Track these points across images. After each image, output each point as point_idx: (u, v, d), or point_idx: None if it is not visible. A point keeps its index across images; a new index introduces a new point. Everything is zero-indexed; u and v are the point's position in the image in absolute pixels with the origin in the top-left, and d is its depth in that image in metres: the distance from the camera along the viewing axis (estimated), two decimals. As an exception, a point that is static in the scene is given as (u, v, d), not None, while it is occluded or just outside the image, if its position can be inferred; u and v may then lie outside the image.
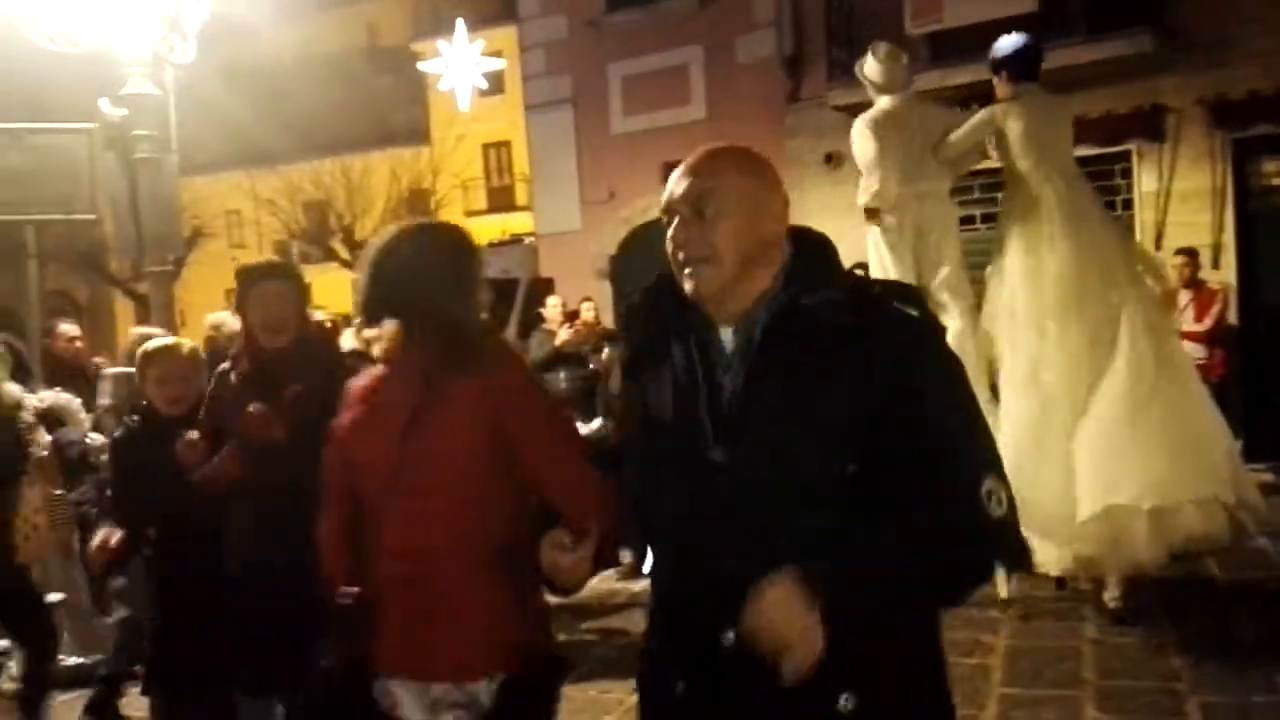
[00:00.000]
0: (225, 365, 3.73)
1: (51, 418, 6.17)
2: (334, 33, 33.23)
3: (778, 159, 13.55)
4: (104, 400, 6.44)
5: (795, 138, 12.57)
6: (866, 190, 6.15)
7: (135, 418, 4.00)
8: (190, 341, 4.20)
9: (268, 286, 3.48)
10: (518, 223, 26.14)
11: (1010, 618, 5.74)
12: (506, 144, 29.66)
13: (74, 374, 6.99)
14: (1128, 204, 10.78)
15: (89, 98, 7.38)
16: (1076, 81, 9.53)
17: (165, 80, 7.16)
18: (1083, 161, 10.42)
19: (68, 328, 7.33)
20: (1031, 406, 5.49)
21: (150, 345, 4.00)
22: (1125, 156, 10.75)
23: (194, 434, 3.62)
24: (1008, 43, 6.01)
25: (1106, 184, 10.53)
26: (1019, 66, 5.95)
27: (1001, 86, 6.01)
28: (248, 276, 3.55)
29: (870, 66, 6.35)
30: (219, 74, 9.71)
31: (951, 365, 1.86)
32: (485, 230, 25.93)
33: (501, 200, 30.73)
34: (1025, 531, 3.08)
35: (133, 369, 4.31)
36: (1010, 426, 5.44)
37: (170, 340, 4.14)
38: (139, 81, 6.84)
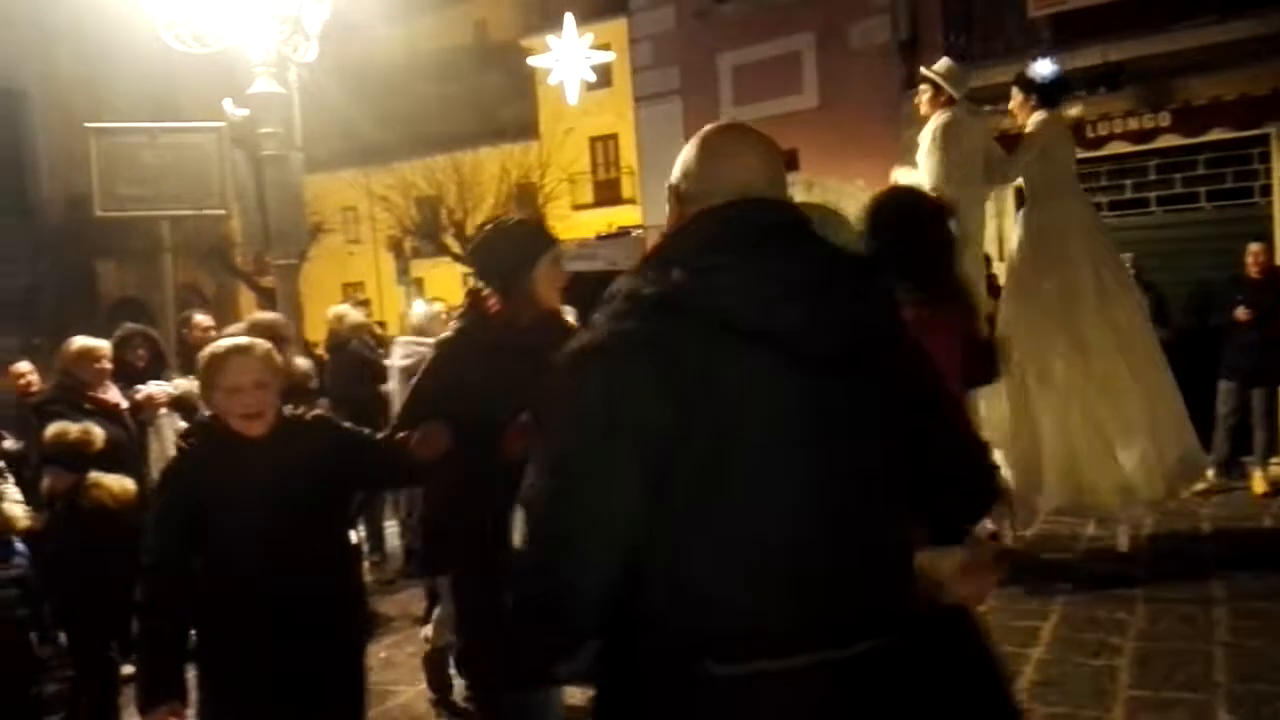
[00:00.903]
0: (449, 335, 3.61)
1: (185, 404, 6.43)
2: (443, 30, 33.82)
3: (893, 148, 13.37)
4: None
5: (912, 126, 12.25)
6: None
7: (193, 439, 3.27)
8: (265, 343, 3.22)
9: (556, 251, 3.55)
10: (624, 216, 26.24)
11: (1138, 619, 5.57)
12: (614, 137, 29.79)
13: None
14: (1266, 190, 10.27)
15: (213, 98, 7.64)
16: (1210, 63, 9.17)
17: (289, 79, 7.37)
18: (1217, 146, 10.12)
19: (202, 318, 7.58)
20: (1052, 397, 6.31)
21: (218, 346, 3.19)
22: (1263, 140, 10.24)
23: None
24: (1047, 70, 6.56)
25: (1243, 169, 10.10)
26: (1050, 95, 6.54)
27: (1024, 107, 6.58)
28: (539, 241, 3.55)
29: (945, 65, 6.53)
30: (333, 73, 9.93)
31: None
32: (592, 224, 26.12)
33: (608, 193, 30.89)
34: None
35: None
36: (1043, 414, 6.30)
37: (242, 340, 3.28)
38: (265, 81, 7.05)
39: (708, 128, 1.96)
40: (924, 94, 6.44)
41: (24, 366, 7.04)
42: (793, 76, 13.20)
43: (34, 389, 6.68)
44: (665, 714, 1.71)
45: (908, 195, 4.75)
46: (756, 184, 1.85)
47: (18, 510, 4.95)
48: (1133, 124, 9.79)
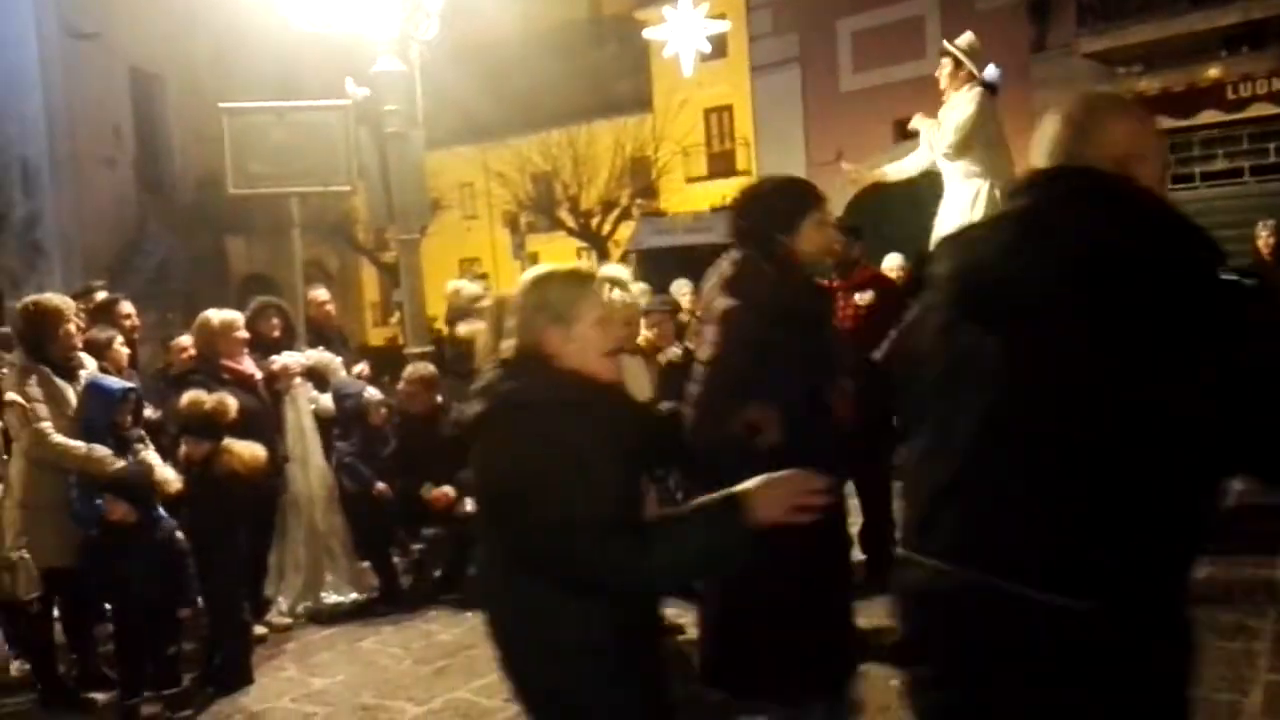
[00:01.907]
0: (733, 306, 3.27)
1: (316, 374, 6.62)
2: (557, 5, 33.91)
3: (1023, 112, 13.00)
4: None
5: (1042, 88, 11.93)
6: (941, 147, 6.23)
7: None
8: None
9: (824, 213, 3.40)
10: (738, 187, 25.98)
11: (1281, 601, 5.32)
12: (728, 108, 29.49)
13: (325, 335, 7.44)
14: None
15: (333, 77, 7.81)
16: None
17: (411, 57, 7.49)
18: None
19: (318, 293, 7.78)
20: None
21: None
22: None
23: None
24: (995, 73, 6.55)
25: None
26: (993, 89, 6.50)
27: (955, 77, 6.39)
28: (805, 199, 3.38)
29: (969, 40, 6.46)
30: (450, 52, 10.06)
31: None
32: (706, 196, 25.96)
33: (722, 165, 30.63)
34: None
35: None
36: None
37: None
38: (388, 58, 7.19)
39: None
40: (944, 68, 6.39)
41: (184, 341, 7.30)
42: (915, 41, 12.89)
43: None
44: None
45: None
46: None
47: (170, 474, 5.16)
48: (1278, 84, 9.30)
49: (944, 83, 6.41)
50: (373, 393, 6.74)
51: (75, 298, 6.01)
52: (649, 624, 2.54)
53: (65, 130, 19.04)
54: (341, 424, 6.62)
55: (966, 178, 6.27)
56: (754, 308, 3.20)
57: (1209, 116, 12.21)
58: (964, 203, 6.27)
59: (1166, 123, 11.88)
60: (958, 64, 6.39)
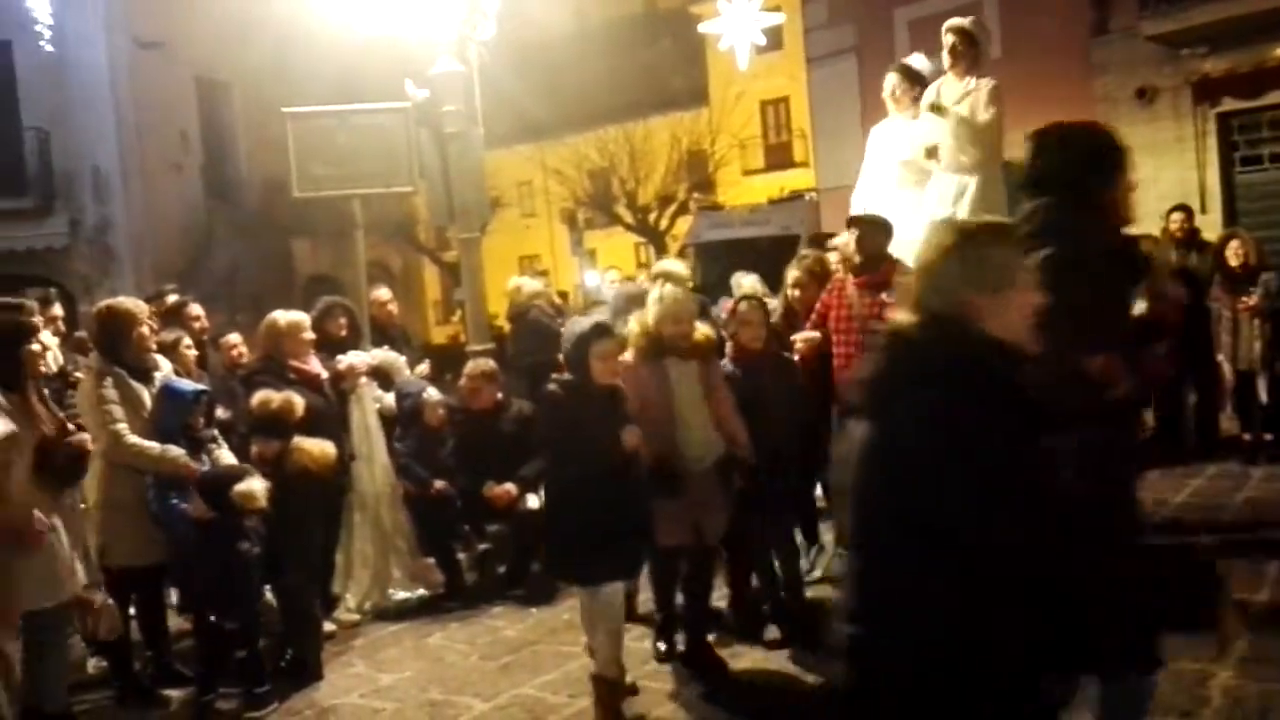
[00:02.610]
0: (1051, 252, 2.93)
1: (381, 373, 6.70)
2: (610, 2, 33.98)
3: (1084, 97, 12.78)
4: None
5: (1104, 73, 11.72)
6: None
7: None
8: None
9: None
10: (795, 180, 25.88)
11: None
12: (784, 100, 29.37)
13: (388, 334, 7.54)
14: None
15: (391, 79, 7.89)
16: None
17: (469, 57, 7.55)
18: None
19: (381, 292, 7.87)
20: None
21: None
22: None
23: None
24: (924, 64, 6.73)
25: None
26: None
27: (907, 97, 6.55)
28: (1114, 152, 3.26)
29: (976, 22, 6.46)
30: (506, 51, 10.11)
31: None
32: (763, 189, 25.86)
33: (779, 157, 30.51)
34: None
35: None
36: None
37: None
38: (446, 59, 7.25)
39: None
40: (895, 85, 6.56)
41: (234, 338, 7.43)
42: (974, 28, 12.70)
43: (243, 359, 7.05)
44: None
45: None
46: None
47: (257, 487, 5.00)
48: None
49: (949, 67, 6.32)
50: (432, 393, 6.80)
51: (147, 301, 6.13)
52: None
53: (134, 138, 19.49)
54: (400, 424, 6.70)
55: (956, 170, 6.20)
56: (1075, 254, 2.94)
57: (1277, 97, 11.94)
58: (948, 195, 6.20)
59: (1234, 104, 11.59)
60: (914, 81, 6.54)
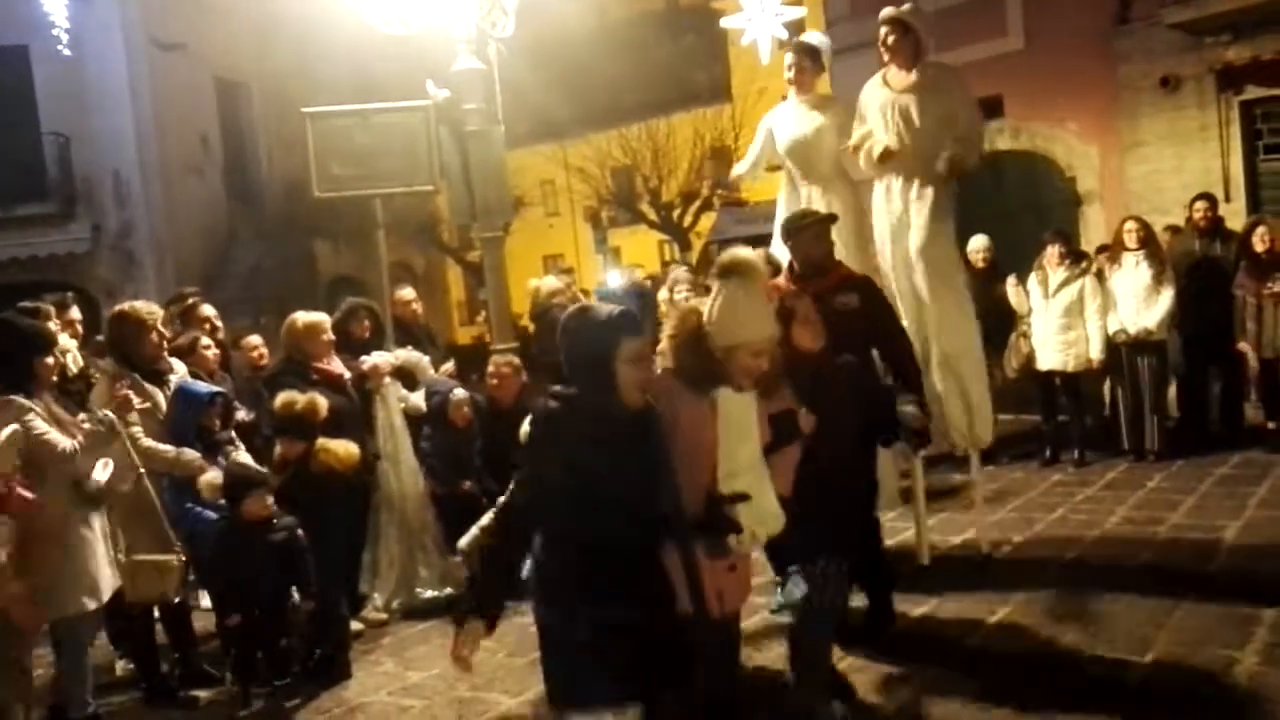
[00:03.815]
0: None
1: (405, 373, 6.69)
2: (631, -2, 33.87)
3: (1107, 86, 12.62)
4: None
5: (1127, 62, 11.57)
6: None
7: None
8: None
9: None
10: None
11: None
12: (807, 94, 29.21)
13: (412, 333, 7.52)
14: None
15: (411, 78, 7.85)
16: None
17: (489, 55, 7.50)
18: None
19: (404, 292, 7.89)
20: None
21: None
22: None
23: None
24: (822, 41, 6.69)
25: None
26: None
27: (813, 74, 6.53)
28: None
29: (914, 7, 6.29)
30: (527, 49, 10.06)
31: None
32: (786, 183, 25.69)
33: (802, 153, 30.32)
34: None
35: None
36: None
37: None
38: (466, 57, 7.21)
39: None
40: (794, 63, 6.43)
41: (254, 340, 7.44)
42: (996, 18, 12.58)
43: (264, 361, 7.06)
44: None
45: None
46: None
47: (215, 479, 5.12)
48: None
49: (888, 56, 6.17)
50: (460, 391, 6.78)
51: (168, 305, 6.15)
52: None
53: (154, 141, 19.51)
54: (427, 423, 6.68)
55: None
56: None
57: (1301, 84, 11.76)
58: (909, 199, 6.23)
59: (1257, 92, 11.44)
60: (814, 59, 6.45)
